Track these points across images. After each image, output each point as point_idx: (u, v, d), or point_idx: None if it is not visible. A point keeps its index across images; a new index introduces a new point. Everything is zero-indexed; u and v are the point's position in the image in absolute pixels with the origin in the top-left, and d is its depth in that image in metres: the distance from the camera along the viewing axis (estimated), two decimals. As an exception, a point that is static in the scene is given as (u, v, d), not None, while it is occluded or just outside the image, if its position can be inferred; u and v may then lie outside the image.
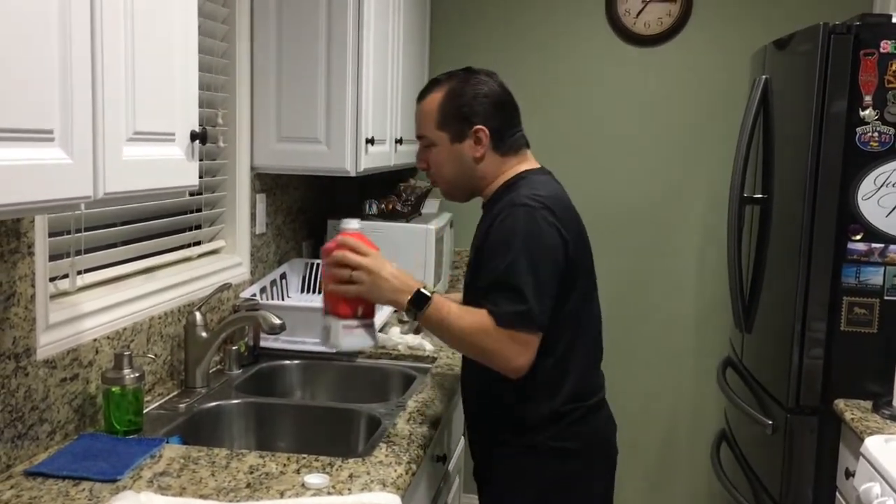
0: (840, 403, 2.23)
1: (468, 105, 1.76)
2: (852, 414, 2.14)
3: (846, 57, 2.22)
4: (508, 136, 1.80)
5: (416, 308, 1.66)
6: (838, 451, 2.26)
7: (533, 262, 1.62)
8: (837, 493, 2.23)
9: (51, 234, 1.62)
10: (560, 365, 1.72)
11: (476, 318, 1.65)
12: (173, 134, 1.40)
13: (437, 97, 1.79)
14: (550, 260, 1.65)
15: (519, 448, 1.76)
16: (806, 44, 2.33)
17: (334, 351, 2.29)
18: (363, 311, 1.70)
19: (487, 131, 1.76)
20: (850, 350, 2.28)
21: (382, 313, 2.64)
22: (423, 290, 1.67)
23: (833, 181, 2.26)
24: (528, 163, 1.83)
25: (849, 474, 2.10)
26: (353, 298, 1.68)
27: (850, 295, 2.27)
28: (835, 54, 2.23)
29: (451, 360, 2.35)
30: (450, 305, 1.68)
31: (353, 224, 1.72)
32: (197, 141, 1.46)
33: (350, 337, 1.69)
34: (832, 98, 2.24)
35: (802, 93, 2.32)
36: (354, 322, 1.69)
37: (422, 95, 1.83)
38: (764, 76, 2.63)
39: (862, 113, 2.22)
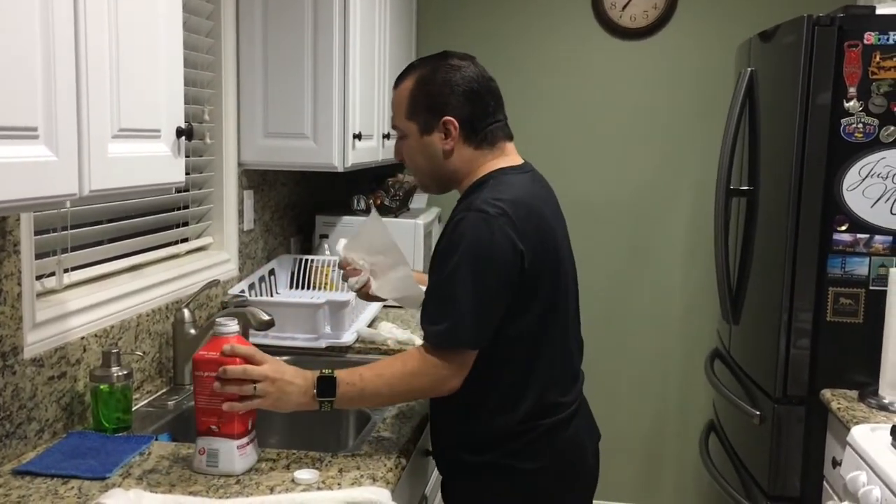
0: (827, 393, 2.25)
1: (437, 94, 1.62)
2: (839, 403, 2.16)
3: (830, 49, 2.23)
4: (483, 128, 1.64)
5: (328, 396, 1.52)
6: (825, 440, 2.28)
7: (476, 274, 1.51)
8: (825, 482, 2.25)
9: (37, 233, 1.62)
10: (519, 382, 1.61)
11: (394, 366, 1.57)
12: (159, 130, 1.40)
13: (407, 85, 1.66)
14: (498, 272, 1.52)
15: (476, 466, 1.65)
16: (790, 36, 2.34)
17: (324, 347, 2.31)
18: (252, 422, 1.54)
19: (457, 123, 1.62)
20: (836, 340, 2.30)
21: (370, 309, 2.65)
22: (323, 373, 1.53)
23: (818, 172, 2.27)
24: (505, 158, 1.68)
25: (836, 463, 2.11)
26: (248, 413, 1.51)
27: (836, 285, 2.29)
28: (819, 46, 2.24)
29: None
30: (360, 372, 1.56)
31: (231, 326, 1.52)
32: (183, 137, 1.45)
33: (244, 459, 1.50)
34: (817, 90, 2.25)
35: (788, 85, 2.33)
36: (246, 439, 1.51)
37: (396, 82, 1.70)
38: (749, 68, 2.65)
39: (846, 104, 2.24)
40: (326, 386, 1.52)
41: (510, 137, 1.72)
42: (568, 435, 1.67)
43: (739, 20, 3.22)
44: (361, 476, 1.51)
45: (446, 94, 1.62)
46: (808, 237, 2.29)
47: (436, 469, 2.15)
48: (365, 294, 1.90)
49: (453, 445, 1.70)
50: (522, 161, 1.73)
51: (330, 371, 1.54)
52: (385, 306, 2.75)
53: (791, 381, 2.33)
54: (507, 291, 1.55)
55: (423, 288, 1.67)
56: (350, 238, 1.91)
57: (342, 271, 1.91)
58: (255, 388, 1.48)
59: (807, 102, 2.26)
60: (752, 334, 2.63)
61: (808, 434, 2.32)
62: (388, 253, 1.84)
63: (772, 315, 2.38)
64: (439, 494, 2.13)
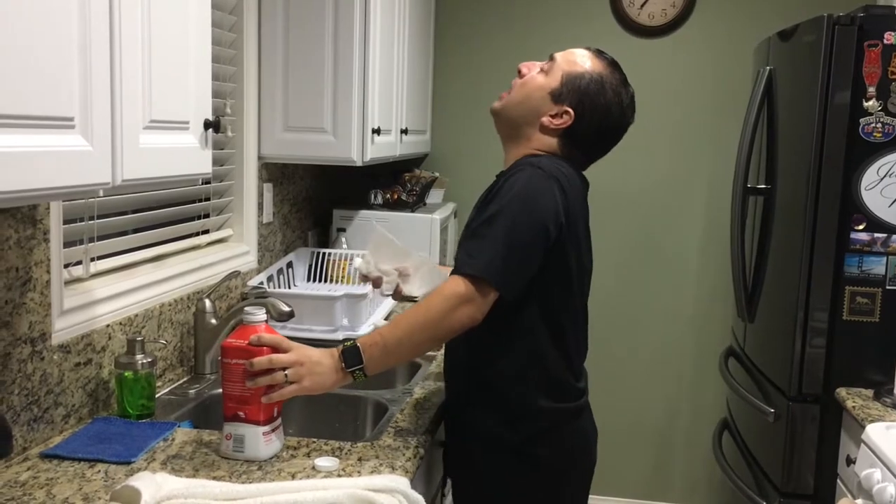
0: (842, 392, 2.25)
1: (593, 94, 1.70)
2: (854, 402, 2.16)
3: (850, 48, 2.24)
4: (577, 148, 1.73)
5: (357, 364, 1.54)
6: (839, 438, 2.29)
7: (519, 223, 1.56)
8: (838, 480, 2.25)
9: (65, 222, 1.65)
10: (542, 346, 1.66)
11: (409, 311, 1.58)
12: (187, 122, 1.42)
13: (584, 67, 1.72)
14: (536, 229, 1.57)
15: (497, 442, 1.69)
16: (810, 35, 2.34)
17: (341, 338, 2.33)
18: (278, 409, 1.57)
19: (571, 122, 1.70)
20: (851, 339, 2.30)
21: (387, 302, 2.67)
22: (345, 345, 1.56)
23: (836, 172, 2.28)
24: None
25: (850, 461, 2.12)
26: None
27: (853, 284, 2.29)
28: (839, 45, 2.24)
29: (456, 347, 2.37)
30: (379, 331, 1.59)
31: (259, 315, 1.55)
32: (210, 129, 1.48)
33: (270, 445, 1.53)
34: (836, 89, 2.25)
35: (806, 84, 2.33)
36: (272, 426, 1.54)
37: (586, 48, 1.77)
38: (768, 67, 2.65)
39: (865, 104, 2.24)
40: (351, 355, 1.55)
41: (583, 168, 1.79)
42: (578, 427, 1.75)
43: (757, 19, 3.22)
44: (380, 464, 1.53)
45: (592, 112, 1.70)
46: (826, 236, 2.30)
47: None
48: (398, 296, 1.92)
49: (470, 431, 1.73)
50: None
51: (350, 342, 1.57)
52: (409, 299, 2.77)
53: (806, 380, 2.34)
54: (539, 252, 1.59)
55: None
56: (364, 255, 1.94)
57: (369, 283, 1.92)
58: (286, 375, 1.51)
59: (826, 102, 2.26)
60: (768, 332, 2.63)
61: (823, 432, 2.33)
62: (405, 257, 1.88)
63: (788, 313, 2.39)
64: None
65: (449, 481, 2.08)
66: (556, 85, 1.72)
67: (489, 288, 1.55)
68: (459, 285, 1.55)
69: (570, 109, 1.70)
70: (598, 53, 1.77)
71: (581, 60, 1.74)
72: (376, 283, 1.89)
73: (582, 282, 1.74)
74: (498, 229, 1.56)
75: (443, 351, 1.91)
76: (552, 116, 1.71)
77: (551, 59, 1.77)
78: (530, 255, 1.59)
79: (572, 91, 1.71)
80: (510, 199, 1.58)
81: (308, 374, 1.52)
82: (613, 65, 1.77)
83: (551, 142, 1.73)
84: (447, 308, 1.54)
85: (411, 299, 1.96)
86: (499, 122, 1.79)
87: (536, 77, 1.76)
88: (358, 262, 1.93)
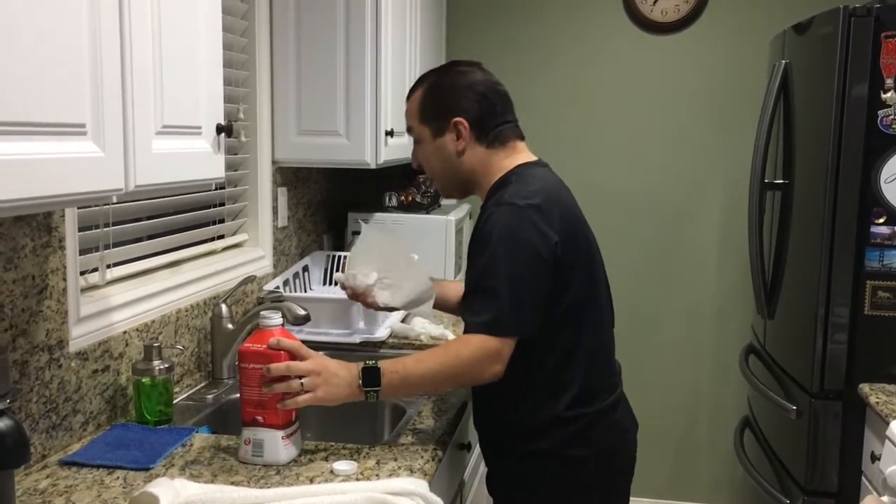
0: (865, 387, 2.22)
1: (446, 97, 1.71)
2: (877, 398, 2.14)
3: (867, 40, 2.21)
4: (493, 128, 1.71)
5: (374, 386, 1.54)
6: (863, 435, 2.26)
7: (512, 263, 1.55)
8: (863, 477, 2.23)
9: (80, 229, 1.65)
10: (562, 366, 1.65)
11: (437, 353, 1.59)
12: (200, 127, 1.42)
13: (419, 94, 1.75)
14: (533, 261, 1.57)
15: (522, 455, 1.69)
16: (826, 27, 2.32)
17: (358, 342, 2.33)
18: (296, 414, 1.56)
19: (466, 123, 1.69)
20: (874, 334, 2.28)
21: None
22: (367, 364, 1.56)
23: (855, 165, 2.25)
24: (520, 156, 1.74)
25: (874, 458, 2.09)
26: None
27: (874, 279, 2.26)
28: (855, 37, 2.22)
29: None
30: (403, 360, 1.59)
31: (275, 319, 1.55)
32: (223, 134, 1.48)
33: (288, 449, 1.53)
34: (853, 81, 2.23)
35: (823, 77, 2.31)
36: (290, 430, 1.54)
37: (409, 93, 1.79)
38: (784, 61, 2.62)
39: (884, 96, 2.21)
40: (371, 376, 1.55)
41: (521, 137, 1.78)
42: (613, 422, 1.73)
43: (771, 13, 3.19)
44: (399, 468, 1.53)
45: (455, 97, 1.71)
46: (845, 230, 2.27)
47: (471, 461, 2.17)
48: (375, 307, 1.94)
49: (501, 434, 1.74)
50: (537, 158, 1.78)
51: (373, 362, 1.57)
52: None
53: (828, 376, 2.31)
54: (545, 280, 1.59)
55: (456, 289, 1.70)
56: (349, 261, 1.93)
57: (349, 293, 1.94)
58: (301, 383, 1.51)
59: (843, 94, 2.24)
60: (788, 329, 2.61)
61: (846, 428, 2.30)
62: (396, 263, 1.87)
63: (808, 309, 2.36)
64: (475, 486, 2.14)
65: (468, 484, 2.07)
66: (426, 127, 1.74)
67: (507, 341, 1.56)
68: (487, 342, 1.55)
69: (450, 119, 1.70)
70: (420, 77, 1.80)
71: (414, 95, 1.77)
72: (362, 298, 1.89)
73: (598, 277, 1.73)
74: (497, 276, 1.55)
75: None
76: (456, 139, 1.71)
77: (407, 129, 1.82)
78: (537, 289, 1.58)
79: (433, 110, 1.73)
80: (494, 245, 1.57)
81: (323, 384, 1.53)
82: (431, 70, 1.81)
83: (478, 151, 1.72)
84: (476, 362, 1.55)
85: (391, 309, 1.95)
86: (454, 194, 1.84)
87: (421, 153, 1.79)
88: (339, 276, 1.92)
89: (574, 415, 1.66)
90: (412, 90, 1.78)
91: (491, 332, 1.55)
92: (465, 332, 1.59)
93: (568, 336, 1.65)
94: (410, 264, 1.90)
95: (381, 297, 1.89)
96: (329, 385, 1.53)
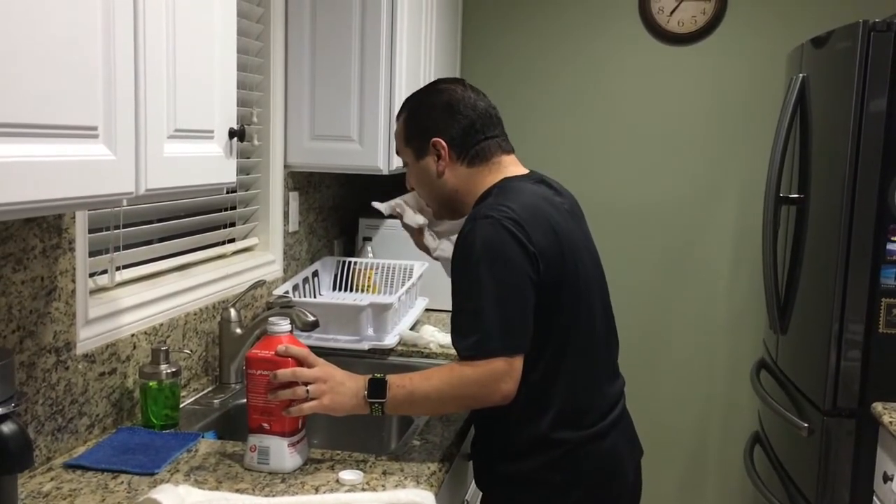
0: (878, 406, 2.19)
1: (425, 118, 1.69)
2: (890, 417, 2.11)
3: (886, 55, 2.19)
4: (473, 145, 1.67)
5: (379, 397, 1.52)
6: (875, 454, 2.23)
7: (494, 280, 1.49)
8: (875, 497, 2.20)
9: (90, 231, 1.65)
10: (543, 384, 1.57)
11: (443, 372, 1.54)
12: (212, 131, 1.41)
13: (403, 117, 1.74)
14: (515, 273, 1.50)
15: (509, 476, 1.63)
16: (845, 41, 2.30)
17: (367, 349, 2.32)
18: (303, 421, 1.55)
19: (444, 143, 1.66)
20: (888, 352, 2.25)
21: (413, 312, 2.65)
22: (374, 376, 1.54)
23: (872, 181, 2.22)
24: (503, 170, 1.68)
25: (887, 478, 2.06)
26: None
27: (889, 296, 2.24)
28: (875, 52, 2.20)
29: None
30: (410, 376, 1.55)
31: (284, 325, 1.54)
32: (235, 138, 1.47)
33: (294, 457, 1.52)
34: (871, 96, 2.20)
35: (841, 91, 2.28)
36: (297, 438, 1.52)
37: (397, 116, 1.77)
38: (801, 74, 2.60)
39: (902, 111, 2.19)
40: (377, 388, 1.53)
41: (508, 151, 1.73)
42: (604, 449, 1.63)
43: (790, 26, 3.17)
44: (405, 478, 1.51)
45: (432, 118, 1.68)
46: (861, 247, 2.24)
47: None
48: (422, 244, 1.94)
49: (489, 453, 1.70)
50: (528, 171, 1.73)
51: (381, 375, 1.55)
52: (427, 309, 2.76)
53: (841, 394, 2.28)
54: (530, 290, 1.52)
55: None
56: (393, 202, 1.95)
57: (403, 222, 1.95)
58: (307, 390, 1.49)
59: (861, 109, 2.22)
60: (801, 345, 2.58)
61: (858, 447, 2.27)
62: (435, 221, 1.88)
63: (822, 326, 2.33)
64: (479, 499, 2.12)
65: (473, 497, 2.05)
66: (409, 150, 1.72)
67: (505, 358, 1.50)
68: (494, 362, 1.49)
69: (428, 140, 1.68)
70: (405, 99, 1.78)
71: (400, 118, 1.75)
72: (416, 235, 1.87)
73: (590, 294, 1.64)
74: (480, 295, 1.50)
75: None
76: (437, 160, 1.69)
77: (397, 153, 1.81)
78: (522, 301, 1.52)
79: (413, 132, 1.71)
80: (476, 257, 1.51)
81: (329, 392, 1.51)
82: (415, 91, 1.79)
83: (459, 171, 1.69)
84: (483, 383, 1.51)
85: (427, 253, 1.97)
86: (444, 216, 1.80)
87: (410, 176, 1.77)
88: (380, 205, 1.89)
89: (558, 438, 1.58)
90: (399, 113, 1.76)
91: (481, 355, 1.49)
92: (458, 356, 1.54)
93: (551, 354, 1.58)
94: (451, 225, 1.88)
95: (430, 242, 1.88)
96: (335, 394, 1.52)
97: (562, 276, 1.56)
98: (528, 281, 1.52)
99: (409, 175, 1.77)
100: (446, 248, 1.82)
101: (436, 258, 1.98)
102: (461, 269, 1.55)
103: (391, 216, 2.00)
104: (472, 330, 1.51)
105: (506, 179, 1.66)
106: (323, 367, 1.53)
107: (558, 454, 1.59)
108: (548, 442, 1.59)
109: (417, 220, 1.85)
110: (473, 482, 2.09)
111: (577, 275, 1.60)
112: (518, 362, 1.52)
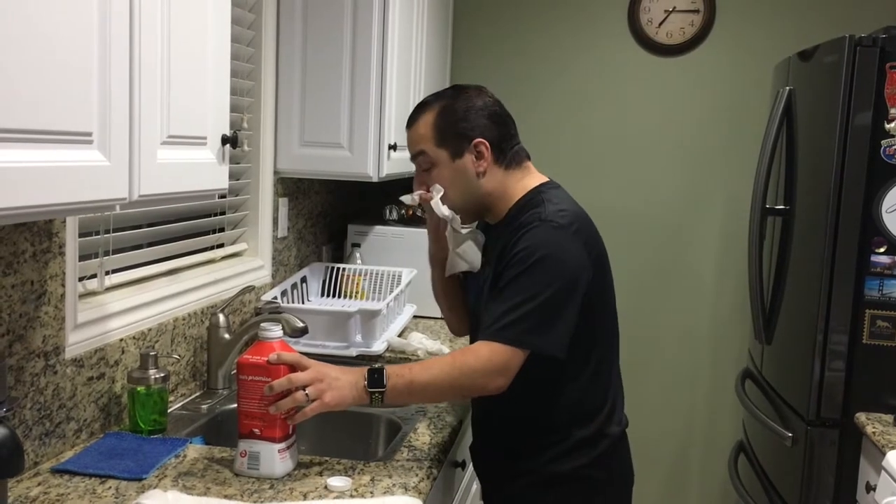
0: (861, 417, 2.22)
1: (464, 119, 1.68)
2: (874, 427, 2.13)
3: (872, 69, 2.22)
4: (509, 149, 1.72)
5: (378, 387, 1.54)
6: (859, 464, 2.25)
7: (547, 283, 1.55)
8: (857, 507, 2.22)
9: (80, 235, 1.64)
10: (594, 387, 1.69)
11: (444, 361, 1.60)
12: (205, 138, 1.42)
13: (429, 118, 1.70)
14: (571, 282, 1.58)
15: (540, 477, 1.69)
16: (831, 55, 2.32)
17: (354, 355, 2.32)
18: (294, 427, 1.55)
19: (488, 144, 1.68)
20: (872, 363, 2.27)
21: (401, 319, 2.66)
22: (373, 367, 1.57)
23: (857, 194, 2.25)
24: (534, 176, 1.75)
25: (869, 488, 2.08)
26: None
27: (873, 308, 2.26)
28: (860, 67, 2.23)
29: (470, 366, 2.35)
30: (410, 366, 1.60)
31: (275, 331, 1.54)
32: (227, 145, 1.48)
33: (285, 463, 1.52)
34: (857, 110, 2.23)
35: (827, 105, 2.31)
36: (287, 443, 1.53)
37: (412, 120, 1.74)
38: (788, 87, 2.63)
39: (887, 126, 2.22)
40: (376, 377, 1.54)
41: (529, 156, 1.78)
42: (625, 446, 1.78)
43: (777, 39, 3.20)
44: (393, 485, 1.52)
45: (473, 119, 1.69)
46: (846, 258, 2.27)
47: (464, 480, 2.15)
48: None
49: (525, 455, 1.72)
50: (548, 178, 1.77)
51: (379, 365, 1.59)
52: (415, 316, 2.76)
53: (825, 404, 2.30)
54: (579, 302, 1.60)
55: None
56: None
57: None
58: (306, 394, 1.50)
59: (846, 123, 2.24)
60: (786, 355, 2.60)
61: (842, 457, 2.29)
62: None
63: (806, 336, 2.35)
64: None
65: (461, 501, 2.06)
66: (444, 150, 1.69)
67: (518, 353, 1.56)
68: (498, 354, 1.55)
69: (471, 140, 1.68)
70: (422, 103, 1.75)
71: (422, 120, 1.71)
72: (442, 226, 1.80)
73: (614, 303, 1.77)
74: (528, 294, 1.55)
75: None
76: (476, 160, 1.69)
77: (415, 156, 1.74)
78: (570, 311, 1.58)
79: (450, 133, 1.68)
80: (538, 258, 1.57)
81: (329, 389, 1.51)
82: (436, 95, 1.77)
83: (497, 173, 1.70)
84: (482, 375, 1.56)
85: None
86: (465, 219, 1.77)
87: (434, 177, 1.71)
88: (406, 198, 1.82)
89: (604, 434, 1.70)
90: (416, 116, 1.73)
91: (508, 342, 1.55)
92: (482, 336, 1.58)
93: (604, 351, 1.71)
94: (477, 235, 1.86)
95: (450, 237, 1.83)
96: (333, 389, 1.51)
97: (608, 280, 1.71)
98: (579, 290, 1.59)
99: (434, 176, 1.72)
100: (467, 250, 1.81)
101: (455, 253, 1.91)
102: (520, 262, 1.58)
103: (414, 204, 1.89)
104: (508, 318, 1.55)
105: (543, 186, 1.72)
106: (316, 367, 1.54)
107: (598, 452, 1.69)
108: (588, 442, 1.69)
109: (446, 212, 1.79)
110: (460, 490, 2.10)
111: (611, 278, 1.75)
112: (521, 360, 1.57)
